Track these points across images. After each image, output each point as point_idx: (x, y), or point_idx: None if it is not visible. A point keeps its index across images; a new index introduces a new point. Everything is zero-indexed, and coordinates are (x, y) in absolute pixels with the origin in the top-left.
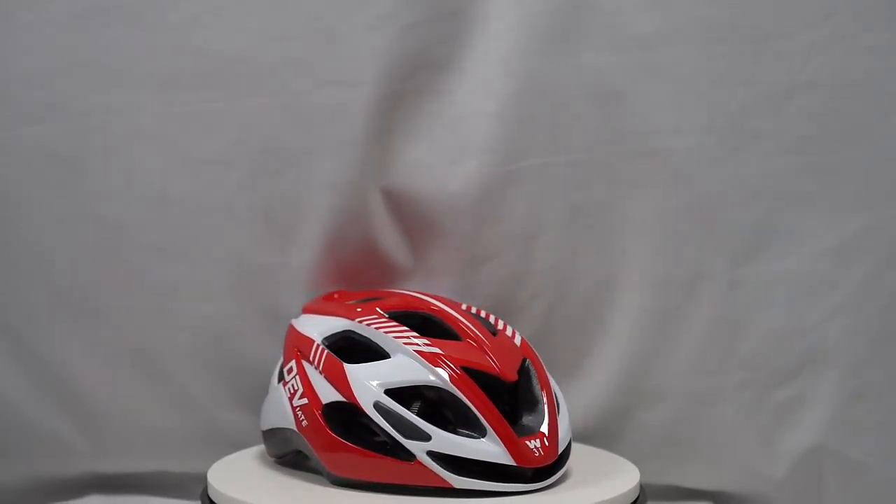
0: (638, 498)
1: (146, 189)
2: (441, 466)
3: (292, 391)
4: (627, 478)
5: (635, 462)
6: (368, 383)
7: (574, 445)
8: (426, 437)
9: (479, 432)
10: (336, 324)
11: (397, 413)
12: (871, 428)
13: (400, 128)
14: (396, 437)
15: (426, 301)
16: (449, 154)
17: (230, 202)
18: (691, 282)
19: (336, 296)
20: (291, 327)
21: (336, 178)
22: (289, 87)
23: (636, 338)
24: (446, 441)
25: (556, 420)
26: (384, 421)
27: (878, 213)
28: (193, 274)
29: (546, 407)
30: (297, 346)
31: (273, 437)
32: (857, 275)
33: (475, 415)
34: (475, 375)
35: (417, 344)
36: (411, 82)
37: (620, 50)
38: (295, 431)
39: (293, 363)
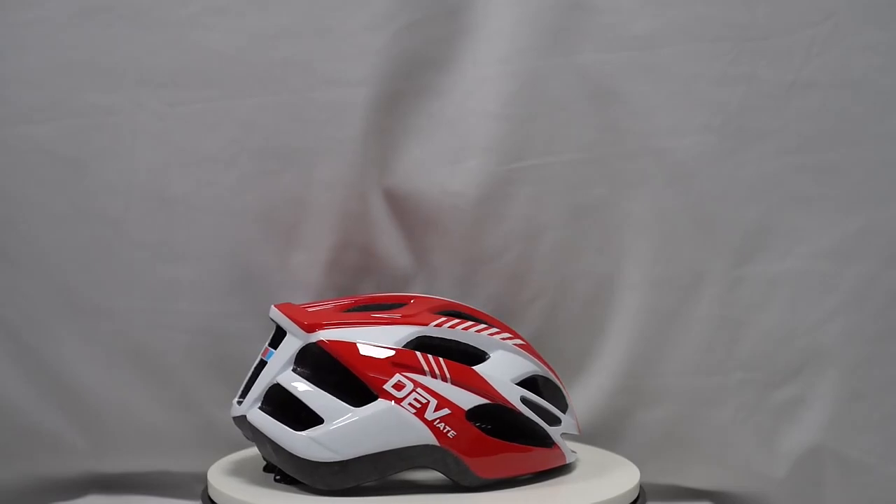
0: (638, 498)
1: (146, 188)
2: (566, 445)
3: (419, 405)
4: (628, 477)
5: (636, 462)
6: (506, 381)
7: (575, 445)
8: (559, 422)
9: (563, 409)
10: (403, 331)
11: (538, 403)
12: (870, 427)
13: (400, 127)
14: (543, 427)
15: (442, 300)
16: (449, 154)
17: (230, 201)
18: (691, 282)
19: (301, 306)
20: (364, 346)
21: (336, 178)
22: (288, 87)
23: (636, 338)
24: (567, 421)
25: None
26: (533, 413)
27: (878, 213)
28: (193, 274)
29: None
30: (393, 362)
31: (374, 461)
32: (856, 275)
33: (563, 394)
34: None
35: (511, 339)
36: (411, 82)
37: (620, 49)
38: (434, 446)
39: (398, 378)
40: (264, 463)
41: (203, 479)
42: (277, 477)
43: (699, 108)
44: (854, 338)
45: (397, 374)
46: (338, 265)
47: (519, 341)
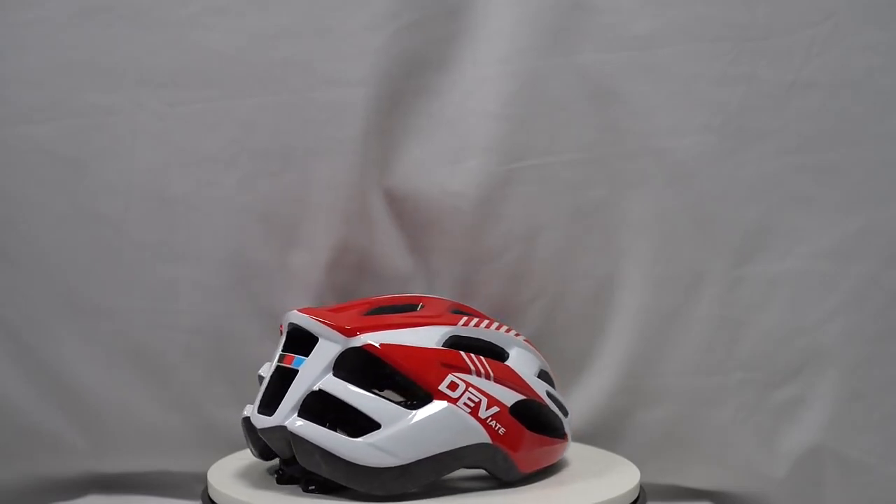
0: (638, 498)
1: (146, 188)
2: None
3: (472, 405)
4: (627, 478)
5: (636, 462)
6: (531, 376)
7: (575, 445)
8: (567, 413)
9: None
10: (438, 331)
11: (557, 397)
12: (870, 427)
13: (400, 127)
14: (562, 418)
15: (449, 300)
16: (449, 154)
17: (230, 201)
18: (691, 282)
19: (332, 309)
20: (414, 348)
21: (336, 178)
22: (288, 87)
23: (636, 338)
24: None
25: None
26: (555, 406)
27: (878, 213)
28: (193, 274)
29: None
30: (443, 362)
31: (434, 463)
32: (856, 275)
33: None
34: None
35: (518, 335)
36: (411, 82)
37: (620, 49)
38: (488, 444)
39: (451, 378)
40: (266, 465)
41: (203, 479)
42: (312, 486)
43: (699, 108)
44: (854, 338)
45: (449, 375)
46: (338, 265)
47: (524, 337)
